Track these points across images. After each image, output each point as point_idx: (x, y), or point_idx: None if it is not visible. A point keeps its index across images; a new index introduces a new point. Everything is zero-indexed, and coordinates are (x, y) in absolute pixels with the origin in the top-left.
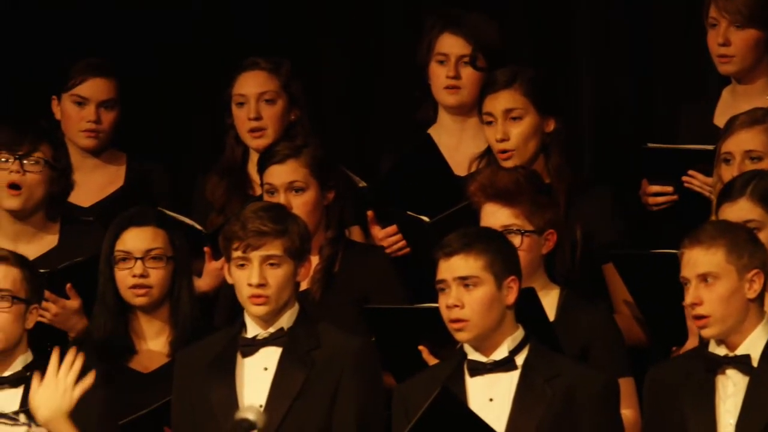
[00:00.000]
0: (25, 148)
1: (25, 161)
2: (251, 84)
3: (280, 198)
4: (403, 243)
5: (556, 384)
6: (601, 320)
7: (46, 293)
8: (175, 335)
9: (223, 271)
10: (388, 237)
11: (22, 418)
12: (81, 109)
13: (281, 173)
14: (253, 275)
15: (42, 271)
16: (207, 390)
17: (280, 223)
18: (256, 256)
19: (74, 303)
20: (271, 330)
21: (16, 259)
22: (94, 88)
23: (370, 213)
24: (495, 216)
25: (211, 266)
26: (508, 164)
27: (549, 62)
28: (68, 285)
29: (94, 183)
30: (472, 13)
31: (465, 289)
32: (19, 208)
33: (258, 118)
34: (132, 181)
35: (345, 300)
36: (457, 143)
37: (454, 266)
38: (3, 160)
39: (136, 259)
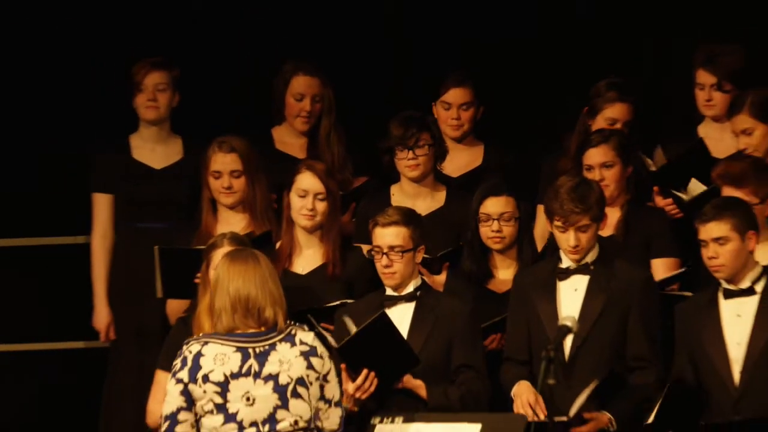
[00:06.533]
0: (412, 140)
1: (416, 150)
2: (614, 112)
3: (596, 173)
4: (677, 210)
5: None
6: None
7: (424, 272)
8: (519, 268)
9: None
10: (667, 206)
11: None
12: (448, 111)
13: (596, 156)
14: (571, 239)
15: (426, 257)
16: (536, 305)
17: (585, 201)
18: (571, 228)
19: (442, 277)
20: (581, 263)
21: (403, 219)
22: (455, 95)
23: (655, 188)
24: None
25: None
26: None
27: None
28: (445, 264)
29: (460, 161)
30: None
31: (718, 245)
32: (417, 177)
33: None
34: (489, 162)
35: (636, 242)
36: None
37: (710, 230)
38: (399, 150)
39: (493, 219)
